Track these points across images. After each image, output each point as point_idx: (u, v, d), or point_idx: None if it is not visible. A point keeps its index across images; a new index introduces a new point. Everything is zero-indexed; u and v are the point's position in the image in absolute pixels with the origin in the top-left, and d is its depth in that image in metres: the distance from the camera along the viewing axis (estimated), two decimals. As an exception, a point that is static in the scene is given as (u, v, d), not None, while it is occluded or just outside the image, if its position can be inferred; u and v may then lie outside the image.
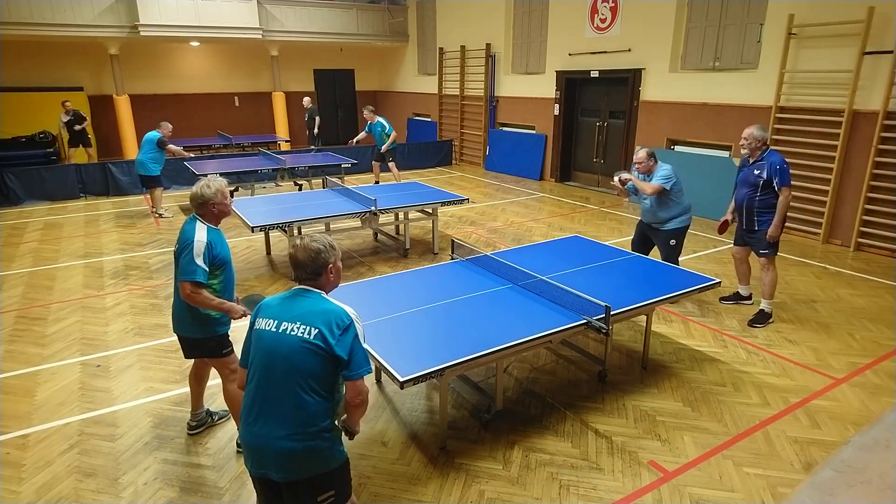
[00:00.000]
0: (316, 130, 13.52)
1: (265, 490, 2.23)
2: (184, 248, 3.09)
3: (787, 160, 8.49)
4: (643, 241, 5.59)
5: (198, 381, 3.62)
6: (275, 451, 2.08)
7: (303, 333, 2.09)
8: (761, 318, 5.16)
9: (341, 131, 18.20)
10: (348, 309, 2.17)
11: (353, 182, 10.52)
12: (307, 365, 2.07)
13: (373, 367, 2.14)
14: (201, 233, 3.10)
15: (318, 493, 2.14)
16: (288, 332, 2.10)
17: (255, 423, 2.12)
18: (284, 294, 2.25)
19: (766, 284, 5.11)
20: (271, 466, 2.11)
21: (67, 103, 12.03)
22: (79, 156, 12.45)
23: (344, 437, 2.26)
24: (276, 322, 2.14)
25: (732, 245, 5.47)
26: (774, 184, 4.84)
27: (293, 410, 2.07)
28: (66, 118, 12.00)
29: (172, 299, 3.37)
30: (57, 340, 4.96)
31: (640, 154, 5.28)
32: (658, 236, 5.42)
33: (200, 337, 3.26)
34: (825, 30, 7.40)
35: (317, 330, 2.08)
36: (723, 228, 5.32)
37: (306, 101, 13.75)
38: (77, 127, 12.09)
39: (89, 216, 9.38)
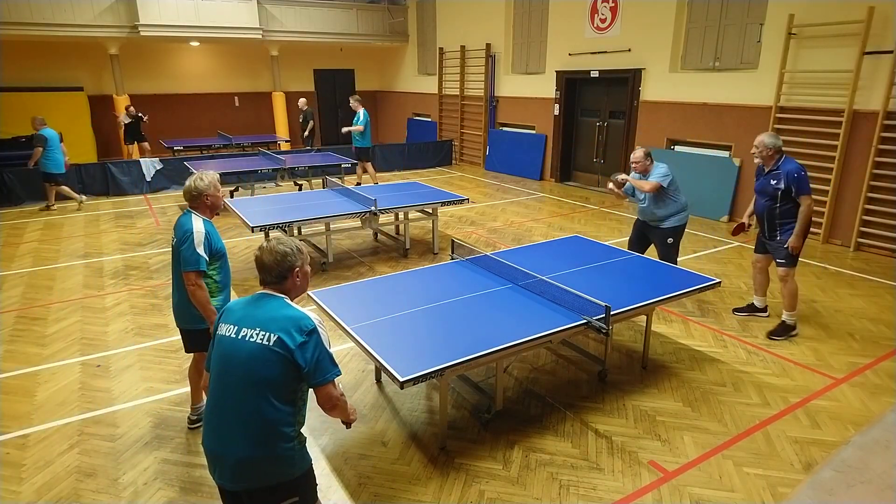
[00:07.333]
0: (306, 133, 13.31)
1: (227, 499, 2.18)
2: (183, 239, 3.15)
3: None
4: (640, 240, 5.59)
5: (199, 374, 3.62)
6: (232, 459, 2.04)
7: (262, 340, 2.01)
8: (782, 331, 4.91)
9: (341, 132, 18.16)
10: (312, 315, 2.10)
11: (353, 182, 10.52)
12: (265, 372, 2.00)
13: (340, 370, 2.13)
14: (199, 224, 3.20)
15: (279, 500, 2.08)
16: (247, 338, 2.04)
17: (216, 429, 2.09)
18: (248, 298, 2.17)
19: (786, 296, 4.85)
20: (227, 475, 2.07)
21: (131, 108, 12.89)
22: (139, 151, 13.20)
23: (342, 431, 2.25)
24: (236, 328, 2.08)
25: (753, 252, 5.19)
26: (793, 193, 4.60)
27: (250, 418, 2.01)
28: (127, 120, 12.76)
29: (172, 297, 3.44)
30: (57, 340, 4.96)
31: (637, 154, 5.30)
32: (656, 235, 5.42)
33: (205, 327, 3.28)
34: (825, 30, 7.40)
35: (276, 336, 2.01)
36: (738, 231, 5.15)
37: (302, 101, 13.49)
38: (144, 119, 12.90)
39: (89, 216, 9.38)
